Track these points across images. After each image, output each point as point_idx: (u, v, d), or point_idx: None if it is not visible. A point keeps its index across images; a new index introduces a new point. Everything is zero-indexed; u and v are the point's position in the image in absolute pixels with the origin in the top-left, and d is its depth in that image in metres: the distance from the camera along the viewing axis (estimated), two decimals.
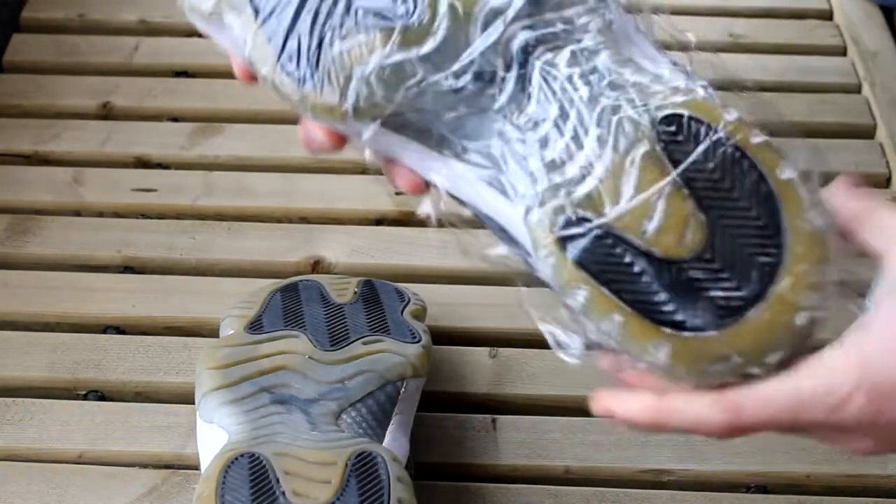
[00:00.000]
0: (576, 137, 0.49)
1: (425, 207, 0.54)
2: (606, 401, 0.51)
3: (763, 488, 0.74)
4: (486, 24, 0.51)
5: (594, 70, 0.50)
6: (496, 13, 0.50)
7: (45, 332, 0.81)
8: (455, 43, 0.50)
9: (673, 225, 0.48)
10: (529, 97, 0.51)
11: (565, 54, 0.51)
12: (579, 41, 0.51)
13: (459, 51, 0.51)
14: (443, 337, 0.80)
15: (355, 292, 0.76)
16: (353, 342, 0.71)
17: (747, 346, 0.48)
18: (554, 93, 0.50)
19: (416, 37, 0.50)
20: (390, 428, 0.68)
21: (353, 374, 0.69)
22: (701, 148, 0.49)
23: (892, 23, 1.07)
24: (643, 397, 0.50)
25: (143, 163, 0.93)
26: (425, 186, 0.54)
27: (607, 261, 0.48)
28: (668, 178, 0.48)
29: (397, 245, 0.87)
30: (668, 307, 0.48)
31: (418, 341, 0.72)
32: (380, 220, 0.89)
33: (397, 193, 0.90)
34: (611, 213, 0.48)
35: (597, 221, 0.48)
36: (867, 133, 0.97)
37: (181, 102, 0.98)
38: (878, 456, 0.53)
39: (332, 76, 0.51)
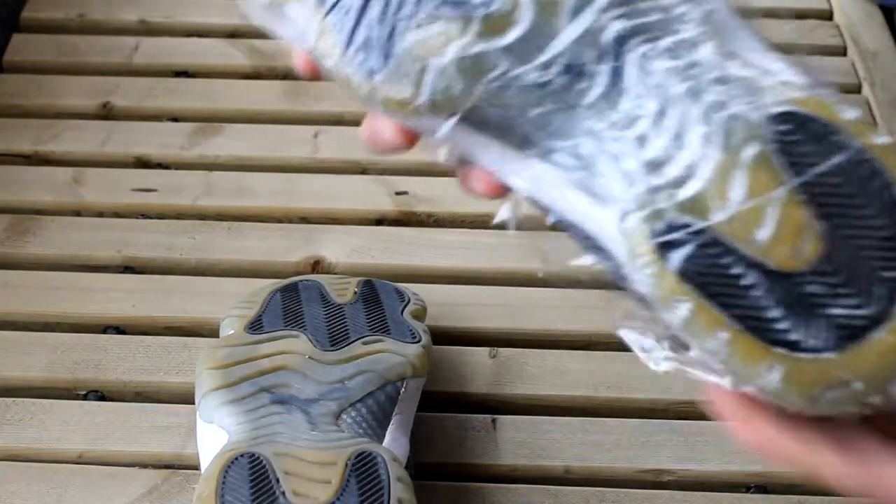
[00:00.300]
0: (678, 136, 0.45)
1: (503, 213, 0.50)
2: (727, 413, 0.46)
3: (763, 488, 0.74)
4: (576, 13, 0.47)
5: (696, 63, 0.46)
6: (586, 1, 0.46)
7: (45, 332, 0.81)
8: (541, 33, 0.46)
9: (788, 234, 0.43)
10: (624, 92, 0.46)
11: (663, 46, 0.46)
12: (677, 32, 0.46)
13: (546, 41, 0.46)
14: (443, 337, 0.80)
15: (355, 292, 0.76)
16: (353, 342, 0.71)
17: (870, 370, 0.43)
18: (652, 87, 0.46)
19: (498, 26, 0.46)
20: (390, 428, 0.68)
21: (353, 374, 0.69)
22: (819, 149, 0.44)
23: (892, 23, 1.07)
24: (766, 430, 0.45)
25: (143, 163, 0.93)
26: (504, 190, 0.49)
27: (713, 271, 0.43)
28: (785, 184, 0.43)
29: (397, 245, 0.87)
30: (782, 325, 0.43)
31: (418, 341, 0.72)
32: (380, 220, 0.89)
33: (398, 193, 0.90)
34: (718, 218, 0.43)
35: (702, 227, 0.44)
36: None
37: (181, 102, 0.98)
38: None
39: (406, 68, 0.47)
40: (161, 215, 0.89)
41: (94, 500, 0.71)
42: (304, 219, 0.89)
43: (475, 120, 0.47)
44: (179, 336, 0.81)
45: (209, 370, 0.69)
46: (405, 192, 0.90)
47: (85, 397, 0.78)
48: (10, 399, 0.76)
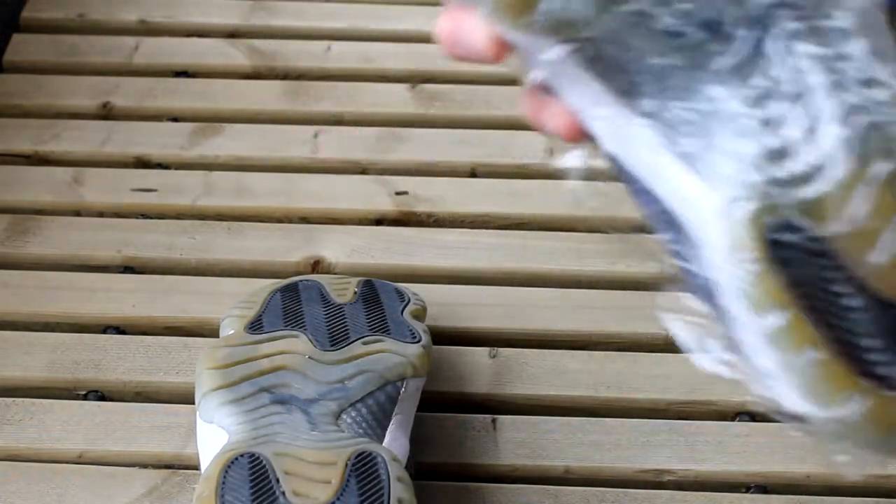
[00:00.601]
0: (810, 130, 0.40)
1: (570, 160, 0.45)
2: None
3: (763, 488, 0.74)
4: None
5: (845, 57, 0.41)
6: None
7: (45, 332, 0.81)
8: None
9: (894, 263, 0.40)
10: (761, 67, 0.41)
11: (814, 28, 0.41)
12: (830, 17, 0.41)
13: None
14: (443, 337, 0.80)
15: (355, 292, 0.76)
16: (353, 342, 0.71)
17: None
18: (793, 70, 0.41)
19: None
20: (390, 428, 0.68)
21: (353, 374, 0.69)
22: None
23: (891, 23, 1.07)
24: None
25: (143, 163, 0.93)
26: (580, 136, 0.44)
27: (819, 285, 0.40)
28: None
29: (397, 245, 0.87)
30: (877, 357, 0.40)
31: (418, 341, 0.72)
32: (380, 220, 0.89)
33: (398, 193, 0.90)
34: (837, 229, 0.40)
35: (819, 233, 0.40)
36: None
37: (181, 102, 0.98)
38: None
39: None
40: (161, 215, 0.89)
41: (94, 500, 0.71)
42: (304, 219, 0.89)
43: (586, 53, 0.42)
44: (179, 336, 0.81)
45: (209, 370, 0.69)
46: (405, 192, 0.90)
47: (85, 397, 0.78)
48: (10, 399, 0.76)
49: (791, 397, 0.41)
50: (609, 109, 0.43)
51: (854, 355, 0.40)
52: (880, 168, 0.40)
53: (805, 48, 0.41)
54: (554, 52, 0.42)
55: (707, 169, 0.41)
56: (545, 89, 0.44)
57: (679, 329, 0.43)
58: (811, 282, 0.40)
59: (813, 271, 0.40)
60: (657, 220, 0.44)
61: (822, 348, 0.40)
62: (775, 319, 0.40)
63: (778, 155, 0.40)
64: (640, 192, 0.44)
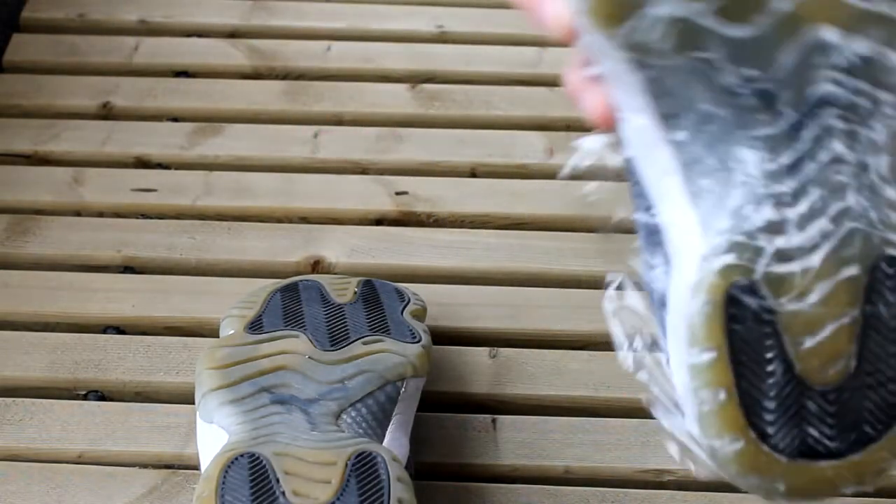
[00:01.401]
0: (804, 218, 0.46)
1: (588, 143, 0.49)
2: None
3: None
4: (807, 51, 0.45)
5: (865, 167, 0.46)
6: (821, 45, 0.45)
7: (45, 332, 0.81)
8: (766, 45, 0.45)
9: (827, 354, 0.46)
10: (791, 148, 0.46)
11: (851, 131, 0.46)
12: (870, 128, 0.46)
13: (764, 57, 0.45)
14: (443, 337, 0.80)
15: (355, 292, 0.76)
16: (353, 342, 0.71)
17: (795, 486, 0.47)
18: (816, 160, 0.46)
19: (734, 14, 0.44)
20: (390, 428, 0.68)
21: (353, 374, 0.69)
22: (893, 292, 0.46)
23: None
24: None
25: (143, 163, 0.93)
26: (608, 125, 0.48)
27: (752, 345, 0.46)
28: (852, 314, 0.46)
29: (397, 245, 0.87)
30: (769, 416, 0.46)
31: (418, 341, 0.72)
32: (380, 220, 0.89)
33: (398, 193, 0.90)
34: (788, 308, 0.45)
35: (772, 306, 0.45)
36: None
37: (181, 102, 0.98)
38: None
39: None
40: (161, 215, 0.89)
41: (94, 500, 0.71)
42: (304, 219, 0.89)
43: (646, 74, 0.46)
44: (179, 336, 0.81)
45: (209, 370, 0.69)
46: (405, 192, 0.90)
47: (85, 397, 0.78)
48: (10, 399, 0.76)
49: (685, 420, 0.47)
50: (646, 122, 0.47)
51: (753, 410, 0.46)
52: (846, 271, 0.45)
53: (835, 145, 0.46)
54: (617, 63, 0.45)
55: (707, 214, 0.46)
56: (600, 80, 0.47)
57: (617, 326, 0.49)
58: (750, 342, 0.45)
59: (754, 333, 0.46)
60: (645, 229, 0.49)
61: (731, 393, 0.46)
62: (704, 356, 0.46)
63: (770, 229, 0.45)
64: (641, 201, 0.49)
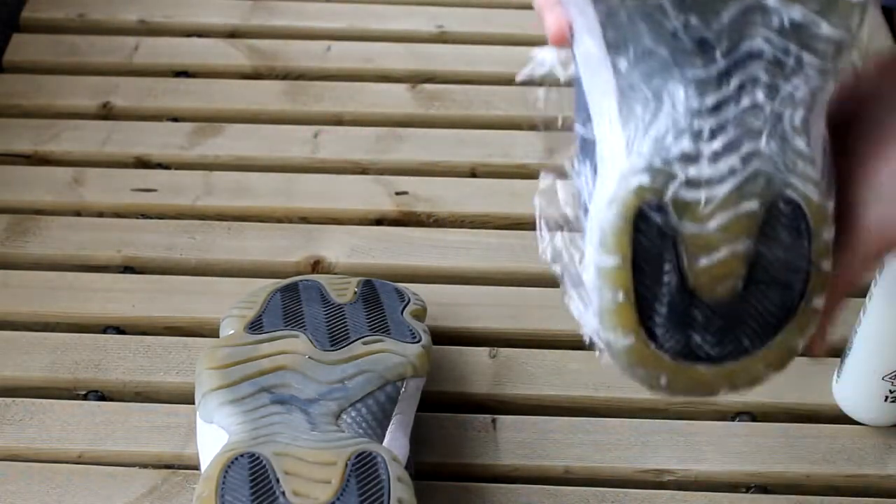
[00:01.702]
0: (719, 154, 0.51)
1: (543, 55, 0.55)
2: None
3: (763, 488, 0.74)
4: (748, 9, 0.50)
5: (780, 117, 0.51)
6: (762, 6, 0.50)
7: (45, 332, 0.81)
8: (713, 0, 0.50)
9: (718, 274, 0.51)
10: (718, 93, 0.51)
11: (773, 84, 0.51)
12: (791, 83, 0.51)
13: (711, 9, 0.50)
14: (443, 337, 0.80)
15: (355, 292, 0.76)
16: (353, 342, 0.71)
17: (676, 382, 0.52)
18: (738, 105, 0.51)
19: None
20: (390, 428, 0.68)
21: (353, 374, 0.69)
22: (788, 242, 0.51)
23: (892, 23, 1.07)
24: None
25: (143, 163, 0.93)
26: (562, 42, 0.54)
27: (653, 257, 0.51)
28: (747, 243, 0.51)
29: (397, 245, 0.87)
30: (659, 319, 0.51)
31: (418, 341, 0.72)
32: (380, 220, 0.89)
33: (398, 193, 0.90)
34: (690, 229, 0.51)
35: (676, 226, 0.50)
36: None
37: (181, 102, 0.98)
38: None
39: None
40: (161, 215, 0.89)
41: (94, 500, 0.71)
42: (304, 219, 0.89)
43: (603, 6, 0.50)
44: (179, 336, 0.81)
45: (209, 370, 0.69)
46: (405, 192, 0.90)
47: (85, 397, 0.78)
48: (10, 399, 0.76)
49: (591, 317, 0.52)
50: (593, 47, 0.52)
51: (645, 311, 0.51)
52: (748, 204, 0.51)
53: (758, 94, 0.51)
54: None
55: (633, 137, 0.51)
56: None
57: (543, 219, 0.55)
58: (652, 254, 0.51)
59: (657, 247, 0.51)
60: (580, 140, 0.54)
61: (628, 295, 0.51)
62: (610, 260, 0.51)
63: (685, 158, 0.50)
64: (581, 114, 0.54)
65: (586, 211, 0.53)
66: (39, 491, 0.72)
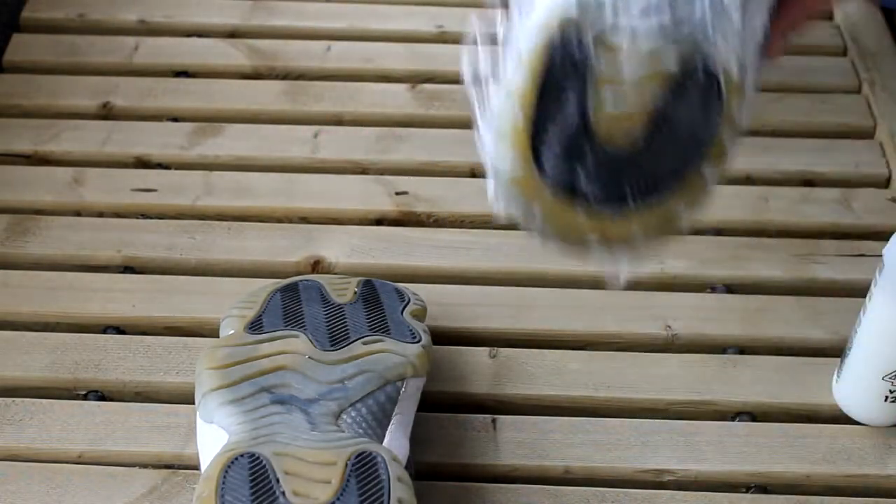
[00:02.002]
0: (652, 9, 0.51)
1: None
2: None
3: (763, 488, 0.74)
4: None
5: None
6: None
7: (45, 332, 0.81)
8: None
9: (621, 123, 0.51)
10: None
11: None
12: None
13: None
14: (443, 337, 0.80)
15: (355, 292, 0.76)
16: (353, 342, 0.71)
17: (551, 220, 0.53)
18: None
19: None
20: (390, 428, 0.68)
21: (353, 374, 0.69)
22: (698, 111, 0.52)
23: (892, 23, 1.07)
24: None
25: (143, 163, 0.93)
26: None
27: (561, 88, 0.51)
28: (654, 102, 0.51)
29: (397, 245, 0.87)
30: (551, 151, 0.52)
31: (418, 341, 0.72)
32: (380, 220, 0.89)
33: (398, 193, 0.90)
34: (605, 72, 0.51)
35: (592, 64, 0.51)
36: (867, 133, 0.97)
37: (181, 102, 0.98)
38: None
39: None
40: (161, 215, 0.89)
41: (94, 500, 0.71)
42: (304, 219, 0.89)
43: None
44: (179, 336, 0.81)
45: (209, 370, 0.69)
46: (405, 192, 0.90)
47: (85, 397, 0.78)
48: (10, 399, 0.76)
49: (490, 143, 0.54)
50: None
51: (539, 138, 0.52)
52: (666, 66, 0.51)
53: None
54: None
55: None
56: None
57: (469, 61, 0.56)
58: (560, 83, 0.51)
59: (568, 80, 0.51)
60: None
61: (527, 119, 0.52)
62: (519, 81, 0.51)
63: (618, 5, 0.50)
64: None
65: (508, 43, 0.54)
66: (39, 491, 0.72)
